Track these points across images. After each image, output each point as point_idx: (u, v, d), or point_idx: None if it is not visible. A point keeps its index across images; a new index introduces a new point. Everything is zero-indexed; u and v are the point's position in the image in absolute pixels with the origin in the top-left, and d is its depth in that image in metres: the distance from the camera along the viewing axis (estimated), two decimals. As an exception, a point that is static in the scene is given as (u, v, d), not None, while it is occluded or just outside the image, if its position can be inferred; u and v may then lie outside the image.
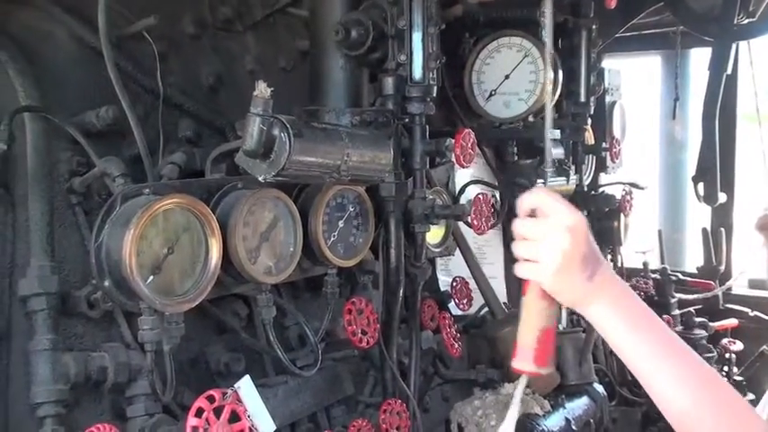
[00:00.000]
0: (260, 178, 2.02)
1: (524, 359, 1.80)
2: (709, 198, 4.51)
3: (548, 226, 1.73)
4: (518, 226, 1.78)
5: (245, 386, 2.08)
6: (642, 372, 1.76)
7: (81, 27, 2.38)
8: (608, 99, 4.46)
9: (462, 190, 3.42)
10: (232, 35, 2.86)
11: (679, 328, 4.57)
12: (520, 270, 1.80)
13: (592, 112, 3.77)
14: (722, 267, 4.95)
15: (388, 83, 2.55)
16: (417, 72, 2.54)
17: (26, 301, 2.09)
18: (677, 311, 4.70)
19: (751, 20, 4.12)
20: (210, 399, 2.01)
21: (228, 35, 2.85)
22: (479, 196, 2.88)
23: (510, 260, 4.13)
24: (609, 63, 4.73)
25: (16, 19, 2.39)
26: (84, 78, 2.40)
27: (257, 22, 2.86)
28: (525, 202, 1.79)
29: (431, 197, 2.77)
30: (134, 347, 2.20)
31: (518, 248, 1.79)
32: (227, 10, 2.80)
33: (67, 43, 2.40)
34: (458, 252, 3.43)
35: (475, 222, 2.84)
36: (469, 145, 2.77)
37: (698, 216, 5.30)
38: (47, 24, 2.39)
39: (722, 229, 4.96)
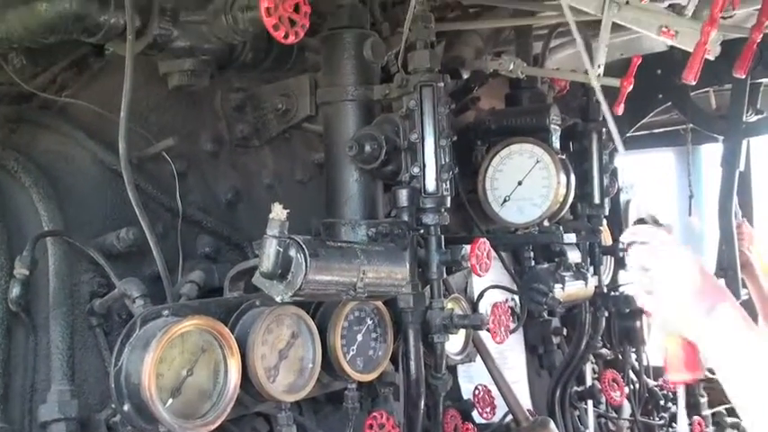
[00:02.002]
0: (277, 299, 2.03)
1: (677, 370, 1.94)
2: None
3: (659, 260, 1.85)
4: (635, 255, 1.91)
5: None
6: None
7: (103, 150, 2.45)
8: (623, 197, 4.48)
9: (481, 295, 3.41)
10: (249, 150, 2.93)
11: (711, 429, 4.45)
12: (640, 299, 1.94)
13: (607, 213, 3.79)
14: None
15: (403, 195, 2.58)
16: (431, 184, 2.58)
17: (46, 427, 2.08)
18: (708, 411, 4.59)
19: (760, 116, 4.17)
20: None
21: (246, 151, 2.92)
22: (497, 305, 2.87)
23: (532, 363, 4.09)
24: (622, 159, 4.77)
25: (40, 143, 2.47)
26: (105, 200, 2.46)
27: (274, 137, 2.93)
28: (636, 234, 1.93)
29: (449, 306, 2.76)
30: (154, 471, 2.17)
31: (637, 279, 1.92)
32: (245, 127, 2.88)
33: (89, 166, 2.47)
34: (479, 358, 3.39)
35: (494, 331, 2.82)
36: (485, 254, 2.78)
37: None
38: (70, 148, 2.47)
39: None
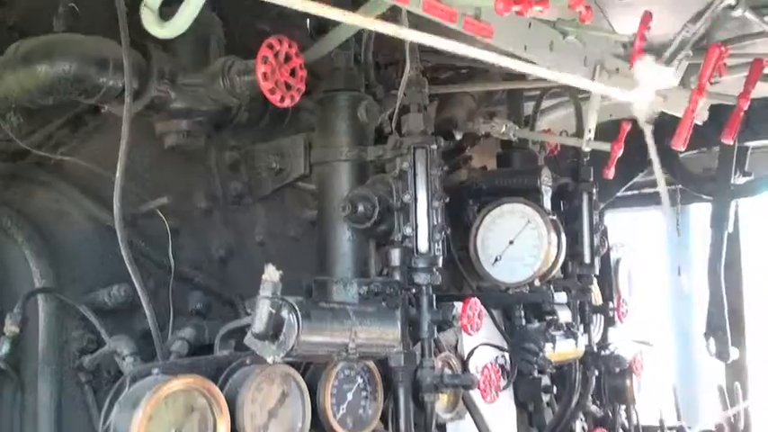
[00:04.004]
0: (269, 360, 2.03)
1: None
2: (720, 354, 4.48)
3: None
4: None
5: None
6: None
7: (97, 208, 2.46)
8: (613, 256, 4.51)
9: (471, 353, 3.40)
10: (242, 208, 2.95)
11: (701, 489, 4.42)
12: None
13: (597, 272, 3.81)
14: (741, 425, 4.84)
15: (395, 255, 2.60)
16: (423, 244, 2.60)
17: (32, 486, 2.06)
18: (697, 471, 4.56)
19: (748, 178, 4.23)
20: None
21: (239, 208, 2.94)
22: (488, 365, 2.87)
23: (522, 420, 4.06)
24: (611, 217, 4.82)
25: (34, 200, 2.48)
26: (97, 256, 2.46)
27: (267, 195, 2.95)
28: None
29: (439, 365, 2.76)
30: None
31: None
32: (239, 185, 2.90)
33: (83, 223, 2.48)
34: (468, 416, 3.38)
35: (484, 391, 2.82)
36: (476, 314, 2.79)
37: (712, 369, 5.24)
38: (63, 205, 2.48)
39: (737, 384, 4.89)
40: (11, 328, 2.14)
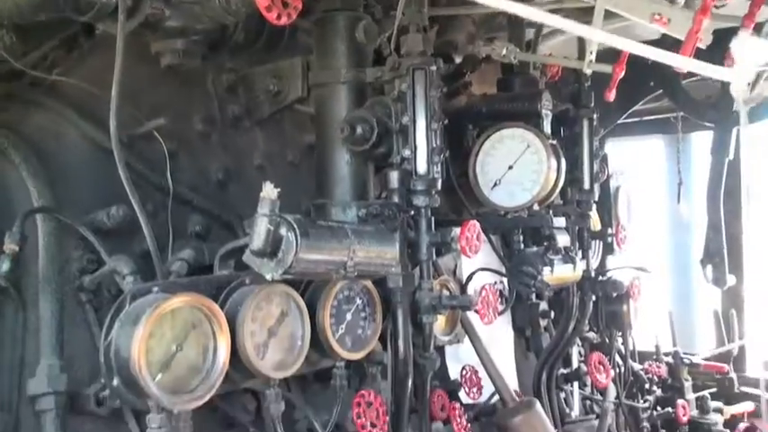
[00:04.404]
0: (268, 277, 2.05)
1: None
2: (718, 281, 4.51)
3: None
4: None
5: (253, 485, 2.06)
6: None
7: (93, 128, 2.46)
8: (612, 183, 4.50)
9: (470, 278, 3.43)
10: (240, 131, 2.94)
11: (694, 412, 4.50)
12: None
13: (596, 198, 3.81)
14: (735, 350, 4.91)
15: (394, 177, 2.60)
16: (422, 166, 2.59)
17: (35, 401, 2.10)
18: (692, 395, 4.64)
19: (751, 105, 4.19)
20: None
21: (237, 131, 2.93)
22: (486, 286, 2.89)
23: (519, 345, 4.12)
24: (612, 146, 4.80)
25: (30, 121, 2.47)
26: (95, 177, 2.47)
27: (265, 118, 2.94)
28: None
29: (438, 287, 2.78)
30: (142, 445, 2.20)
31: None
32: (236, 108, 2.89)
33: (79, 144, 2.48)
34: (467, 339, 3.42)
35: (482, 312, 2.85)
36: (475, 236, 2.80)
37: (709, 297, 5.28)
38: (60, 126, 2.47)
39: (733, 311, 4.94)
40: (10, 246, 2.15)
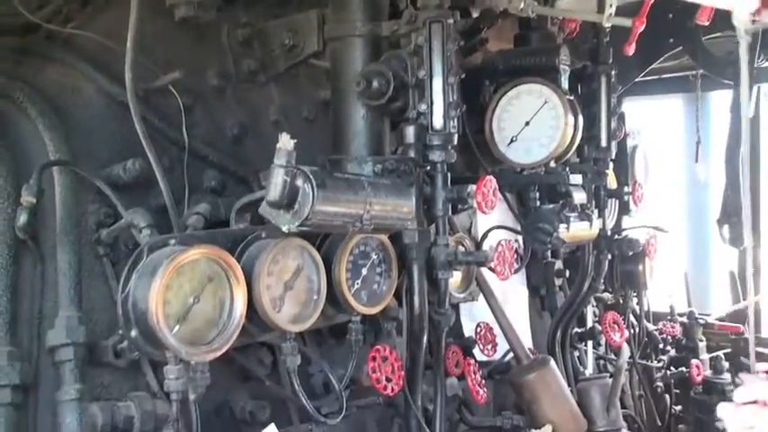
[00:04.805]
0: (284, 229, 2.04)
1: None
2: (734, 241, 4.48)
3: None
4: (737, 414, 1.88)
5: (271, 435, 2.08)
6: None
7: (108, 82, 2.45)
8: (630, 143, 4.46)
9: (485, 236, 3.42)
10: (256, 86, 2.92)
11: (708, 372, 4.51)
12: None
13: (613, 157, 3.77)
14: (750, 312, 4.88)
15: (410, 132, 2.58)
16: (438, 121, 2.57)
17: (54, 352, 2.12)
18: (706, 355, 4.64)
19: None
20: (236, 448, 2.01)
21: (252, 87, 2.91)
22: (502, 242, 2.88)
23: (534, 304, 4.12)
24: (630, 105, 4.74)
25: (46, 75, 2.46)
26: (111, 131, 2.46)
27: (280, 73, 2.91)
28: (746, 393, 1.89)
29: (453, 244, 2.77)
30: (160, 396, 2.23)
31: None
32: (252, 62, 2.86)
33: (95, 98, 2.47)
34: (482, 297, 3.42)
35: (498, 268, 2.84)
36: (491, 191, 2.78)
37: (725, 259, 5.26)
38: (76, 80, 2.47)
39: (749, 272, 4.91)
40: (27, 198, 2.15)
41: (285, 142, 1.97)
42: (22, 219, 2.15)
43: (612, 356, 4.31)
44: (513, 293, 3.95)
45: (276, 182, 1.98)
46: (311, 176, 2.02)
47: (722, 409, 1.95)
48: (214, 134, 2.75)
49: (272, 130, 2.92)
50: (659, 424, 4.63)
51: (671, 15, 4.14)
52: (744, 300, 4.93)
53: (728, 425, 1.93)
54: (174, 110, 2.58)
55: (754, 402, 1.88)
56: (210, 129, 2.74)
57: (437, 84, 2.55)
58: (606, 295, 4.52)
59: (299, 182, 2.02)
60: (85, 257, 2.29)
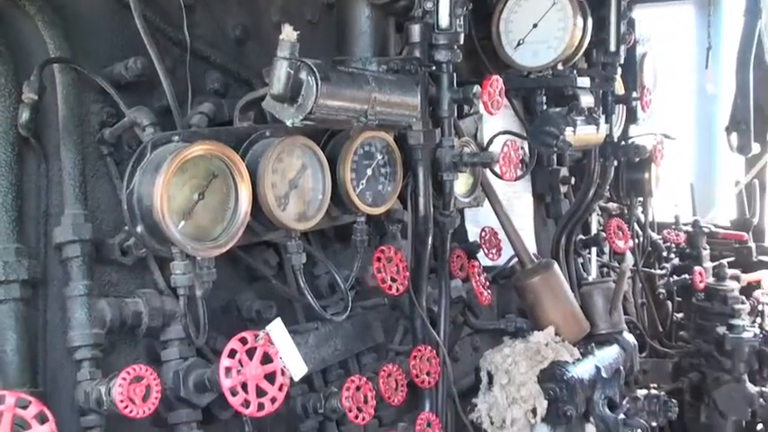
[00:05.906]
0: (288, 122, 2.03)
1: None
2: (742, 148, 4.45)
3: None
4: None
5: (277, 328, 2.11)
6: None
7: None
8: (639, 50, 4.38)
9: (491, 141, 3.39)
10: (258, -13, 2.85)
11: (711, 280, 4.54)
12: None
13: (622, 62, 3.71)
14: (755, 220, 4.90)
15: (415, 31, 2.54)
16: (444, 19, 2.53)
17: (61, 249, 2.13)
18: (709, 263, 4.67)
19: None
20: (243, 341, 2.04)
21: (254, -13, 2.84)
22: (507, 142, 2.86)
23: (539, 211, 4.13)
24: (641, 13, 4.64)
25: (45, -28, 2.40)
26: (112, 30, 2.41)
27: (283, -29, 2.85)
28: None
29: (459, 146, 2.76)
30: (167, 293, 2.25)
31: None
32: (254, -39, 2.79)
33: None
34: (486, 203, 3.42)
35: (503, 169, 2.83)
36: (497, 92, 2.75)
37: (731, 170, 5.25)
38: None
39: (756, 181, 4.90)
40: (29, 95, 2.12)
41: (288, 33, 1.93)
42: (25, 116, 2.12)
43: (616, 264, 4.34)
44: (518, 200, 3.95)
45: (280, 74, 1.96)
46: (315, 69, 1.99)
47: None
48: (216, 35, 2.70)
49: (275, 31, 2.85)
50: (660, 330, 4.71)
51: None
52: (749, 210, 4.93)
53: None
54: (175, 9, 2.52)
55: None
56: (212, 30, 2.69)
57: (443, -19, 2.50)
58: (612, 205, 4.53)
59: (303, 75, 1.99)
60: (89, 157, 2.27)
